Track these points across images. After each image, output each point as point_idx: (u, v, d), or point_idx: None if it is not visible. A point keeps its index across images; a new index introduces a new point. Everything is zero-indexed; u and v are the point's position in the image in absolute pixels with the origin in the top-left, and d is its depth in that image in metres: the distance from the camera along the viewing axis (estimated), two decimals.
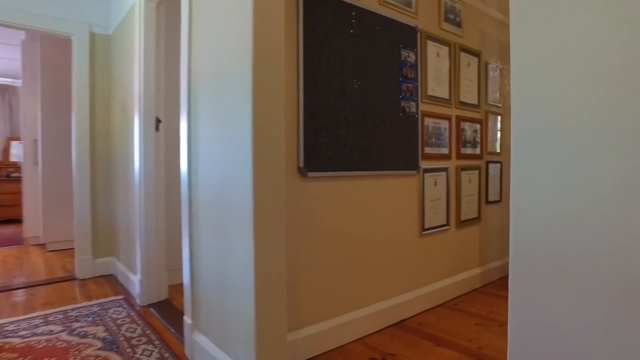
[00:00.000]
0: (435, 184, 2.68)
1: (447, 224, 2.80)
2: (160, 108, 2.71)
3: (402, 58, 2.37)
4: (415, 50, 2.47)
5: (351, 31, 2.06)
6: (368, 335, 2.22)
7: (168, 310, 2.56)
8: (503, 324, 2.37)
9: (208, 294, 1.80)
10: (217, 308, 1.72)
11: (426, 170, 2.60)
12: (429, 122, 2.61)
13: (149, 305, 2.66)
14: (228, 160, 1.60)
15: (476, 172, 3.07)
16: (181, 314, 2.44)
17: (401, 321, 2.41)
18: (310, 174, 1.89)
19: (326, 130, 1.95)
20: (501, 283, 3.21)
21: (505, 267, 3.47)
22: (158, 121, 2.68)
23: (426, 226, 2.61)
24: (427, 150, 2.60)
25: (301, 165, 1.85)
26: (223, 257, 1.65)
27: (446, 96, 2.74)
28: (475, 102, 3.03)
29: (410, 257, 2.51)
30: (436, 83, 2.65)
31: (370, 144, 2.18)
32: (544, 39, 0.87)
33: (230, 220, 1.59)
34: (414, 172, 2.49)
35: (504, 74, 3.40)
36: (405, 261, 2.47)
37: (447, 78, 2.74)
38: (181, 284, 3.08)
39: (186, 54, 1.97)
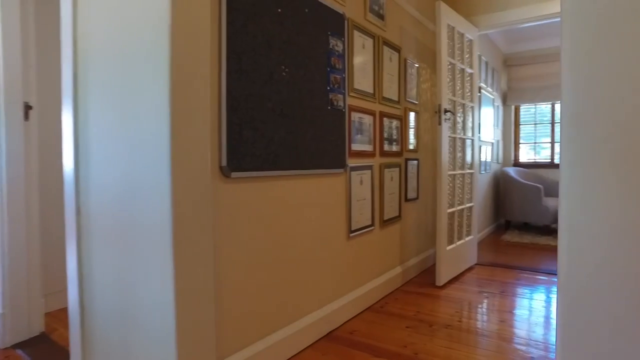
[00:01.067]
0: (361, 182, 2.54)
1: (372, 224, 2.69)
2: (30, 91, 2.15)
3: (330, 46, 2.17)
4: (343, 39, 2.29)
5: (279, 10, 1.79)
6: (300, 352, 1.98)
7: (44, 349, 2.04)
8: (432, 324, 2.32)
9: (106, 327, 1.41)
10: (119, 346, 1.35)
11: (353, 169, 2.44)
12: (355, 117, 2.45)
13: (16, 346, 2.09)
14: (136, 159, 1.24)
15: (397, 169, 3.01)
16: (65, 351, 1.96)
17: (331, 332, 2.22)
18: (234, 174, 1.59)
19: (251, 123, 1.66)
20: (419, 280, 3.22)
21: (422, 263, 3.50)
22: (28, 107, 2.13)
23: (353, 228, 2.46)
24: (354, 147, 2.45)
25: (223, 164, 1.55)
26: (129, 283, 1.29)
27: (371, 90, 2.62)
28: (396, 98, 2.96)
29: (338, 262, 2.33)
30: (362, 76, 2.51)
31: (298, 139, 1.94)
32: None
33: (139, 236, 1.23)
34: (341, 170, 2.31)
35: (420, 72, 3.40)
36: (333, 267, 2.29)
37: (371, 71, 2.62)
38: (64, 310, 2.53)
39: (69, 26, 1.53)
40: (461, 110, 3.44)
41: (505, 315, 2.47)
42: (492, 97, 5.28)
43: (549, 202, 5.04)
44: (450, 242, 3.26)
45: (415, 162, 3.33)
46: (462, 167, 3.48)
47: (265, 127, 1.73)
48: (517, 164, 6.12)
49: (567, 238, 0.87)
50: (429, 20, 3.57)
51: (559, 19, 3.45)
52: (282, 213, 1.88)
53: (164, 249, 1.13)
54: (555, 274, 3.41)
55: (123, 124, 1.28)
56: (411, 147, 3.25)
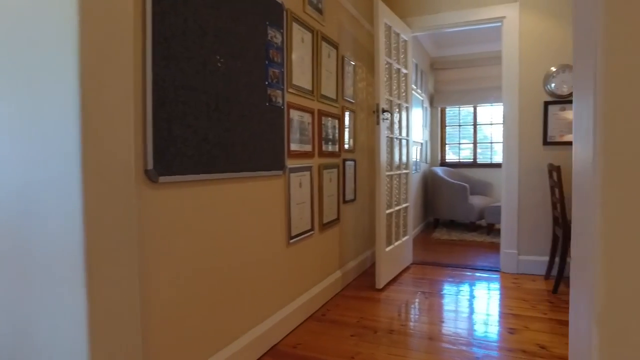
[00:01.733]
0: (301, 185, 2.40)
1: (312, 228, 2.56)
2: None
3: (269, 37, 2.01)
4: (282, 31, 2.13)
5: None
6: None
7: None
8: (377, 331, 2.24)
9: None
10: None
11: (292, 170, 2.30)
12: (295, 115, 2.31)
13: None
14: (31, 157, 0.98)
15: (335, 170, 2.92)
16: None
17: (274, 346, 2.06)
18: (162, 178, 1.37)
19: (183, 119, 1.45)
20: (359, 283, 3.16)
21: (360, 266, 3.45)
22: None
23: (293, 233, 2.31)
24: (293, 147, 2.30)
25: (149, 167, 1.32)
26: (20, 321, 1.02)
27: (309, 87, 2.49)
28: (334, 96, 2.86)
29: (279, 271, 2.17)
30: (301, 72, 2.37)
31: (235, 138, 1.75)
32: None
33: (35, 258, 0.98)
34: (280, 172, 2.15)
35: (357, 71, 3.35)
36: (274, 276, 2.12)
37: (310, 67, 2.49)
38: None
39: None
40: (397, 110, 3.44)
41: (446, 315, 2.48)
42: (421, 98, 5.43)
43: (474, 200, 5.29)
44: (389, 243, 3.24)
45: (352, 162, 3.26)
46: (399, 167, 3.48)
47: (199, 124, 1.53)
48: (443, 163, 6.38)
49: (606, 259, 0.76)
50: (365, 19, 3.52)
51: (487, 25, 3.59)
52: (218, 221, 1.68)
53: (74, 272, 0.90)
54: (490, 270, 3.55)
55: (16, 113, 1.02)
56: (348, 147, 3.18)
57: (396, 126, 3.41)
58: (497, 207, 4.99)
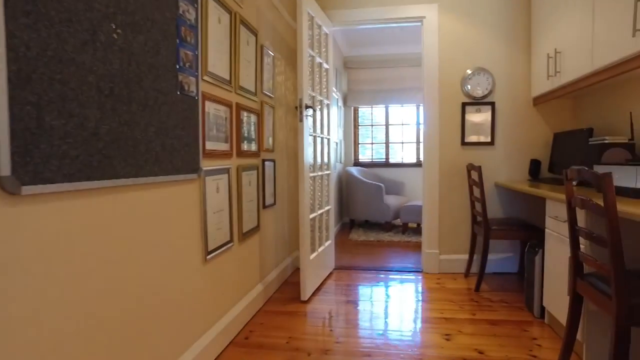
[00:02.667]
0: (218, 190, 2.06)
1: (231, 239, 2.23)
2: None
3: (181, 11, 1.64)
4: (196, 6, 1.77)
5: None
6: None
7: None
8: (311, 353, 1.99)
9: None
10: None
11: (208, 173, 1.94)
12: (210, 107, 1.96)
13: None
14: None
15: (255, 172, 2.61)
16: None
17: None
18: (27, 189, 0.96)
19: (61, 104, 1.04)
20: (282, 295, 2.88)
21: (281, 275, 3.17)
22: None
23: (210, 248, 1.96)
24: (209, 145, 1.95)
25: (6, 172, 0.91)
26: None
27: (227, 76, 2.15)
28: (253, 89, 2.55)
29: (194, 295, 1.80)
30: (217, 57, 2.02)
31: (137, 134, 1.36)
32: None
33: None
34: (194, 176, 1.79)
35: (276, 63, 3.06)
36: (188, 302, 1.75)
37: (227, 53, 2.15)
38: None
39: None
40: (319, 107, 3.22)
41: (381, 326, 2.32)
42: (336, 97, 5.31)
43: (389, 200, 5.32)
44: (313, 250, 3.02)
45: (272, 163, 2.97)
46: (321, 167, 3.27)
47: (87, 114, 1.13)
48: (357, 163, 6.37)
49: None
50: (285, 9, 3.25)
51: (407, 24, 3.54)
52: (116, 243, 1.29)
53: None
54: (412, 271, 3.50)
55: None
56: (268, 146, 2.89)
57: (318, 124, 3.19)
58: (411, 207, 5.06)
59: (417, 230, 5.35)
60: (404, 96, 6.04)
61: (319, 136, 3.18)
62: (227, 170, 2.16)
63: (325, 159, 3.40)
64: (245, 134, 2.43)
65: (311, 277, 2.88)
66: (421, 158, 6.26)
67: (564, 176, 1.80)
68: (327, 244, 3.36)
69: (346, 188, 5.63)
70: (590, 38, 2.36)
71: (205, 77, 1.88)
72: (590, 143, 2.59)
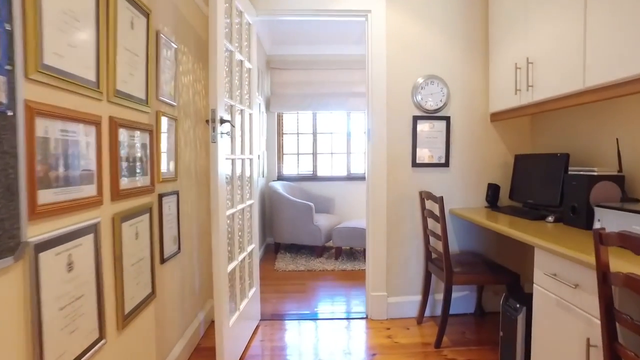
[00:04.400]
0: (71, 266, 1.22)
1: (101, 336, 1.39)
2: None
3: None
4: None
5: None
6: None
7: None
8: None
9: None
10: None
11: (47, 246, 1.10)
12: (51, 128, 1.11)
13: None
14: None
15: (146, 216, 1.78)
16: None
17: None
18: None
19: None
20: None
21: (190, 344, 2.34)
22: None
23: None
24: (47, 196, 1.10)
25: None
26: None
27: (91, 74, 1.31)
28: (141, 94, 1.72)
29: None
30: (66, 41, 1.18)
31: None
32: None
33: None
34: (9, 260, 0.95)
35: (181, 58, 2.23)
36: None
37: (92, 37, 1.31)
38: None
39: None
40: (240, 118, 2.46)
41: None
42: (258, 101, 4.55)
43: (320, 220, 4.67)
44: (233, 309, 2.24)
45: (174, 196, 2.15)
46: (242, 199, 2.50)
47: None
48: (281, 177, 5.64)
49: None
50: None
51: (349, 18, 2.90)
52: None
53: None
54: (356, 318, 2.87)
55: None
56: (168, 174, 2.06)
57: (238, 142, 2.43)
58: (345, 229, 4.46)
59: (352, 255, 4.78)
60: (333, 102, 5.45)
61: (239, 158, 2.42)
62: (91, 229, 1.32)
63: (248, 187, 2.64)
64: (128, 163, 1.59)
65: (232, 346, 2.11)
66: (352, 171, 5.74)
67: (594, 238, 1.26)
68: (251, 293, 2.60)
69: (270, 206, 4.88)
70: (581, 48, 1.90)
71: (35, 75, 1.04)
72: (570, 173, 2.15)
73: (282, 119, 5.66)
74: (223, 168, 2.00)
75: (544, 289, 1.75)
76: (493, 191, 2.86)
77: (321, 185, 5.57)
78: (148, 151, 1.79)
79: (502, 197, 2.97)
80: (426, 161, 2.91)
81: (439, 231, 2.89)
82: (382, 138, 2.86)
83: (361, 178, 5.58)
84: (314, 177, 5.63)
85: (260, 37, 4.75)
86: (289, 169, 5.70)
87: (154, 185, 1.85)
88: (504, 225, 2.14)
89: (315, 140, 5.67)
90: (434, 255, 2.80)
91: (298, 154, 5.69)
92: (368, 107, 2.90)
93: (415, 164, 2.90)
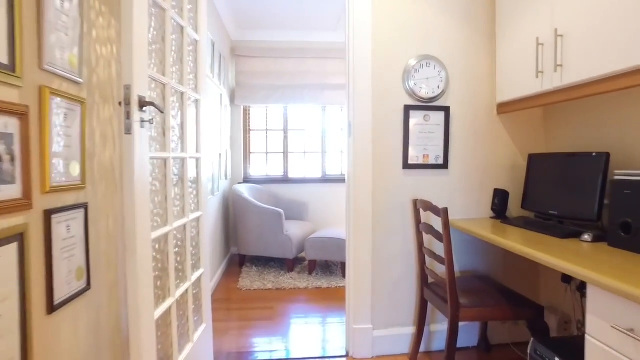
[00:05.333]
0: None
1: None
2: None
3: None
4: None
5: None
6: None
7: None
8: None
9: None
10: None
11: None
12: None
13: None
14: None
15: (11, 248, 1.13)
16: None
17: None
18: None
19: None
20: None
21: None
22: None
23: None
24: None
25: None
26: None
27: None
28: (3, 56, 1.08)
29: None
30: None
31: None
32: None
33: None
34: None
35: (95, 20, 1.59)
36: None
37: None
38: None
39: None
40: (177, 104, 1.83)
41: None
42: (219, 92, 3.91)
43: (291, 229, 4.07)
44: None
45: (80, 211, 1.50)
46: (183, 211, 1.88)
47: None
48: (247, 179, 5.01)
49: None
50: None
51: None
52: None
53: None
54: (335, 357, 2.29)
55: None
56: (67, 180, 1.41)
57: (175, 135, 1.80)
58: (319, 240, 3.87)
59: (328, 269, 4.19)
60: (307, 95, 4.86)
61: (177, 157, 1.79)
62: None
63: (193, 196, 2.01)
64: None
65: None
66: (328, 172, 5.16)
67: None
68: (198, 334, 1.98)
69: (234, 213, 4.25)
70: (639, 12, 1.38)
71: None
72: (618, 178, 1.63)
73: (249, 114, 5.02)
74: (143, 170, 1.38)
75: (608, 346, 1.21)
76: (501, 199, 2.34)
77: (293, 189, 4.97)
78: (17, 146, 1.15)
79: (511, 205, 2.45)
80: (420, 162, 2.35)
81: (437, 250, 2.34)
82: (366, 133, 2.29)
83: (337, 180, 5.00)
84: (284, 179, 5.03)
85: (224, 21, 4.11)
86: (256, 170, 5.07)
87: (30, 198, 1.21)
88: (520, 243, 1.61)
89: (286, 138, 5.06)
90: (431, 279, 2.25)
91: (267, 153, 5.07)
92: (349, 95, 2.33)
93: (407, 165, 2.34)
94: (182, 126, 1.84)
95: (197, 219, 2.04)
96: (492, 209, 2.39)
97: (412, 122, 2.33)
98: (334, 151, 5.09)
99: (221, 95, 3.95)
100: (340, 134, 5.08)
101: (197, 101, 2.03)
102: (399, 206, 2.36)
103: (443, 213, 1.86)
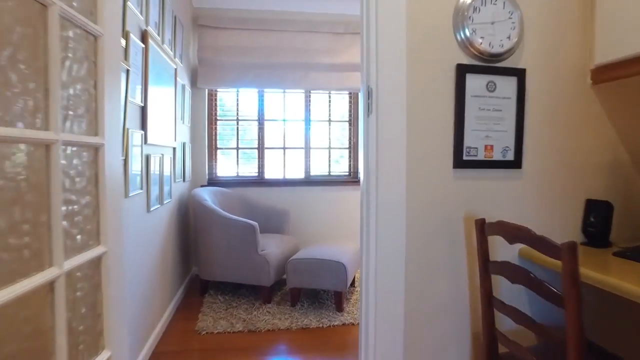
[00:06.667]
0: None
1: None
2: None
3: None
4: None
5: None
6: None
7: None
8: None
9: None
10: None
11: None
12: None
13: None
14: None
15: None
16: None
17: None
18: None
19: None
20: None
21: None
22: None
23: None
24: None
25: None
26: None
27: None
28: None
29: None
30: None
31: None
32: None
33: None
34: None
35: None
36: None
37: None
38: None
39: None
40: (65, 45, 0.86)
41: None
42: (173, 65, 2.93)
43: (267, 245, 3.13)
44: None
45: None
46: (44, 255, 0.91)
47: None
48: (214, 181, 4.03)
49: None
50: None
51: None
52: None
53: None
54: None
55: None
56: None
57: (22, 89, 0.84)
58: (306, 262, 2.95)
59: (316, 298, 3.28)
60: (288, 77, 3.93)
61: (21, 139, 0.83)
62: None
63: (80, 217, 1.05)
64: None
65: None
66: (312, 172, 4.25)
67: None
68: None
69: (194, 225, 3.27)
70: None
71: None
72: None
73: (215, 99, 4.05)
74: None
75: None
76: (600, 214, 1.49)
77: (270, 193, 4.03)
78: None
79: (618, 224, 1.60)
80: (481, 156, 1.48)
81: (525, 304, 1.46)
82: (396, 109, 1.40)
83: (325, 182, 4.10)
84: (260, 181, 4.08)
85: None
86: (224, 170, 4.10)
87: None
88: None
89: (261, 130, 4.11)
90: (503, 348, 1.37)
91: (237, 148, 4.11)
92: (364, 47, 1.42)
93: (460, 163, 1.46)
94: (46, 73, 0.88)
95: (100, 259, 1.08)
96: (586, 230, 1.54)
97: (469, 92, 1.45)
98: (320, 147, 4.18)
99: (175, 70, 2.98)
100: (326, 126, 4.18)
101: (94, 39, 1.07)
102: (447, 227, 1.48)
103: (566, 253, 0.98)
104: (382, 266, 1.43)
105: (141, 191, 2.14)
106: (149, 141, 2.23)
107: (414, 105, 1.43)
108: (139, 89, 2.08)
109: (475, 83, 1.45)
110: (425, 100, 1.44)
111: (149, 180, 2.28)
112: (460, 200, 1.48)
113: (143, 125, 2.19)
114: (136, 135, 2.04)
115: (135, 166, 2.00)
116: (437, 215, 1.47)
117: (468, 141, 1.46)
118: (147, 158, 2.27)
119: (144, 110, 2.19)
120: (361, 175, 1.52)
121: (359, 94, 3.86)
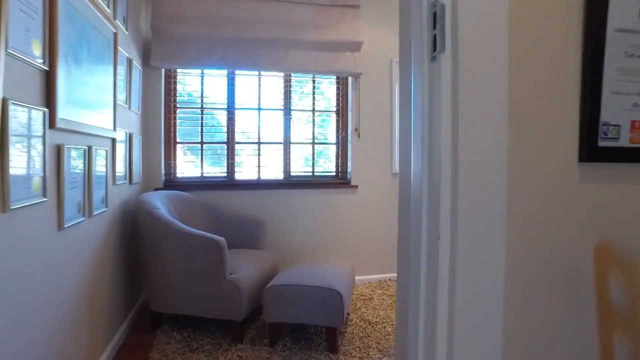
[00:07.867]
0: None
1: None
2: None
3: None
4: None
5: None
6: None
7: None
8: None
9: None
10: None
11: None
12: None
13: None
14: None
15: None
16: None
17: None
18: None
19: None
20: None
21: None
22: None
23: None
24: None
25: None
26: None
27: None
28: None
29: None
30: None
31: None
32: None
33: None
34: None
35: None
36: None
37: None
38: None
39: None
40: None
41: None
42: (112, 29, 2.18)
43: (238, 266, 2.42)
44: None
45: None
46: None
47: None
48: (170, 183, 3.27)
49: None
50: None
51: None
52: None
53: None
54: None
55: None
56: None
57: None
58: (288, 289, 2.26)
59: (303, 335, 2.58)
60: (264, 56, 3.22)
61: None
62: None
63: None
64: None
65: None
66: (293, 172, 3.56)
67: None
68: None
69: (143, 242, 2.51)
70: None
71: None
72: None
73: (173, 82, 3.29)
74: None
75: None
76: None
77: (242, 198, 3.30)
78: None
79: None
80: (625, 142, 0.83)
81: None
82: (492, 45, 0.74)
83: (308, 185, 3.41)
84: (229, 183, 3.35)
85: None
86: (185, 169, 3.35)
87: None
88: None
89: (231, 120, 3.39)
90: None
91: (202, 142, 3.36)
92: None
93: (591, 152, 0.81)
94: None
95: None
96: None
97: (612, 22, 0.81)
98: (302, 142, 3.50)
99: (115, 35, 2.23)
100: (309, 116, 3.50)
101: None
102: (562, 263, 0.83)
103: None
104: (462, 337, 0.76)
105: (43, 200, 1.39)
106: (59, 125, 1.49)
107: (517, 70, 0.78)
108: (36, 43, 1.34)
109: (621, 6, 0.81)
110: (530, 35, 0.79)
111: (60, 182, 1.53)
112: (589, 219, 0.84)
113: (48, 100, 1.45)
114: (31, 114, 1.29)
115: (23, 161, 1.26)
116: (546, 244, 0.82)
117: (606, 114, 0.82)
118: (58, 150, 1.52)
119: (49, 77, 1.44)
120: (399, 174, 0.86)
121: (350, 80, 3.20)
